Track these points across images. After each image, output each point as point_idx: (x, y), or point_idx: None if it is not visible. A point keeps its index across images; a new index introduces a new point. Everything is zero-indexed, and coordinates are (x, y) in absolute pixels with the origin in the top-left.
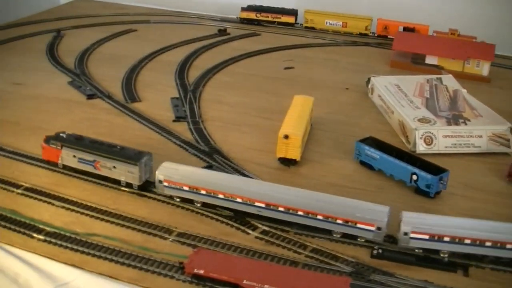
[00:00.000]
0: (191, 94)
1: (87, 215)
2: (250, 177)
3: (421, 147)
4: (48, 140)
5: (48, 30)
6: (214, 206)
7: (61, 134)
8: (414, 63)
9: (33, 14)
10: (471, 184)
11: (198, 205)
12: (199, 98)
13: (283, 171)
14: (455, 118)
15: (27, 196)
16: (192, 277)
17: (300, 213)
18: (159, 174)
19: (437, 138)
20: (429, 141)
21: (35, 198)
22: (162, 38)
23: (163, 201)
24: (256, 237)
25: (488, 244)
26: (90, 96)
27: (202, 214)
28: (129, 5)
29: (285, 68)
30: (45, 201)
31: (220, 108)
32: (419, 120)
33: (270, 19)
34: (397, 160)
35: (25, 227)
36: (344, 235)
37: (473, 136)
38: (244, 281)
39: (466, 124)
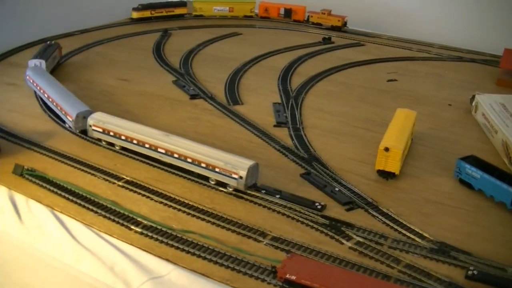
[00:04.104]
0: (293, 101)
1: (184, 212)
2: (349, 188)
3: None
4: None
5: (156, 29)
6: None
7: None
8: None
9: None
10: None
11: None
12: (301, 105)
13: (381, 184)
14: None
15: (127, 189)
16: (284, 282)
17: None
18: None
19: None
20: None
21: (135, 192)
22: (267, 43)
23: (260, 204)
24: (350, 248)
25: (147, 145)
26: (193, 96)
27: (298, 220)
28: None
29: (388, 81)
30: (144, 195)
31: (321, 116)
32: None
33: (164, 13)
34: (498, 181)
35: (124, 219)
36: None
37: None
38: None
39: None
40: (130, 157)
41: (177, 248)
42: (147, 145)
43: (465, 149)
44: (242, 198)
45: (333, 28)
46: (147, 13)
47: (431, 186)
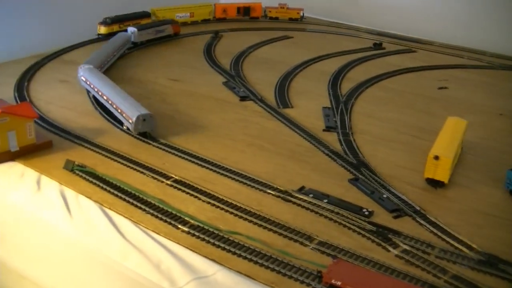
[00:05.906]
0: (343, 106)
1: (231, 213)
2: (397, 195)
3: None
4: None
5: (207, 31)
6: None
7: None
8: None
9: None
10: None
11: None
12: (351, 110)
13: (429, 192)
14: None
15: (175, 188)
16: None
17: None
18: None
19: None
20: None
21: (183, 191)
22: (317, 47)
23: (307, 208)
24: (396, 256)
25: (99, 93)
26: (243, 98)
27: (345, 226)
28: None
29: (439, 88)
30: (192, 195)
31: (370, 122)
32: None
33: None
34: None
35: (171, 218)
36: None
37: None
38: None
39: None
40: (179, 156)
41: (223, 249)
42: (99, 93)
43: None
44: (290, 201)
45: (292, 21)
46: (116, 27)
47: (480, 196)
